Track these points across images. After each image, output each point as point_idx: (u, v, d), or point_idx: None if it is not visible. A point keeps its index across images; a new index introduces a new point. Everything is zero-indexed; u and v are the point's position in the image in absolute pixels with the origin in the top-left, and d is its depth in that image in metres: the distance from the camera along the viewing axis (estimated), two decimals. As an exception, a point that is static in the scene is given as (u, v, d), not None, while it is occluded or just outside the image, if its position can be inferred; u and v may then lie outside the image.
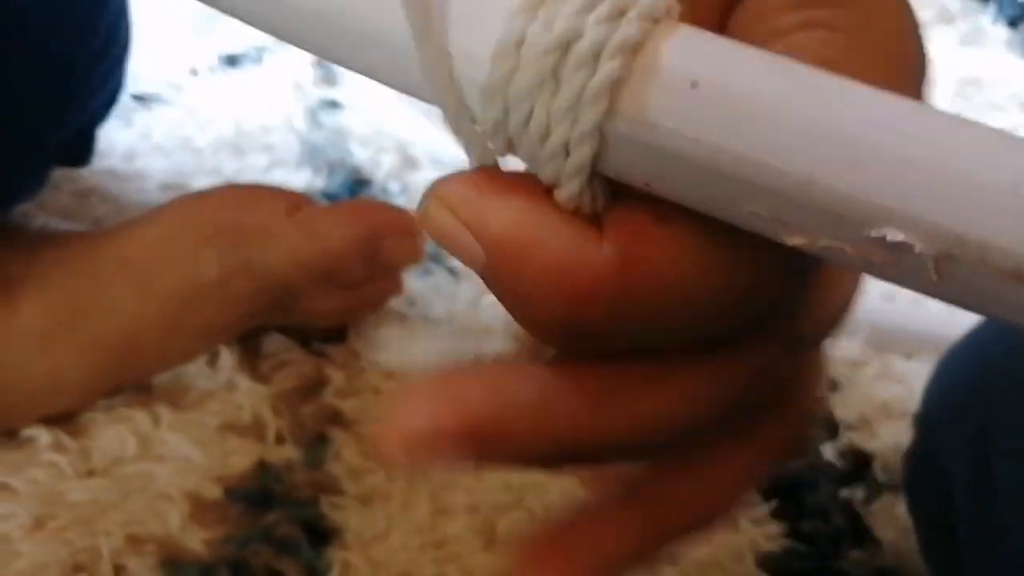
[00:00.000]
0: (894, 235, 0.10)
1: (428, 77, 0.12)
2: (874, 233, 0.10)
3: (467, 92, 0.11)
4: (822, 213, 0.10)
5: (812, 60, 0.11)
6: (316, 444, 0.35)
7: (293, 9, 0.13)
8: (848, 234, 0.10)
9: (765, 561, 0.32)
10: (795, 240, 0.10)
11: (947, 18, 0.73)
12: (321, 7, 0.12)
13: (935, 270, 0.10)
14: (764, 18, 0.13)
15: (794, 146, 0.10)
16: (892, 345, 0.40)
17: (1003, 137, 0.10)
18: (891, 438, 0.36)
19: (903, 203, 0.10)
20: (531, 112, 0.11)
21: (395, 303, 0.42)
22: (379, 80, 0.13)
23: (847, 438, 0.36)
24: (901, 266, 0.10)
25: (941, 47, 0.67)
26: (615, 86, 0.10)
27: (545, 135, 0.11)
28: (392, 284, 0.40)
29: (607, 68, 0.10)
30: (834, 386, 0.38)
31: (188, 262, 0.35)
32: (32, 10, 0.33)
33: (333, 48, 0.13)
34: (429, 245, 0.45)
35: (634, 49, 0.10)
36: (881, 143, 0.10)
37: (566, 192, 0.12)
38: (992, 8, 0.74)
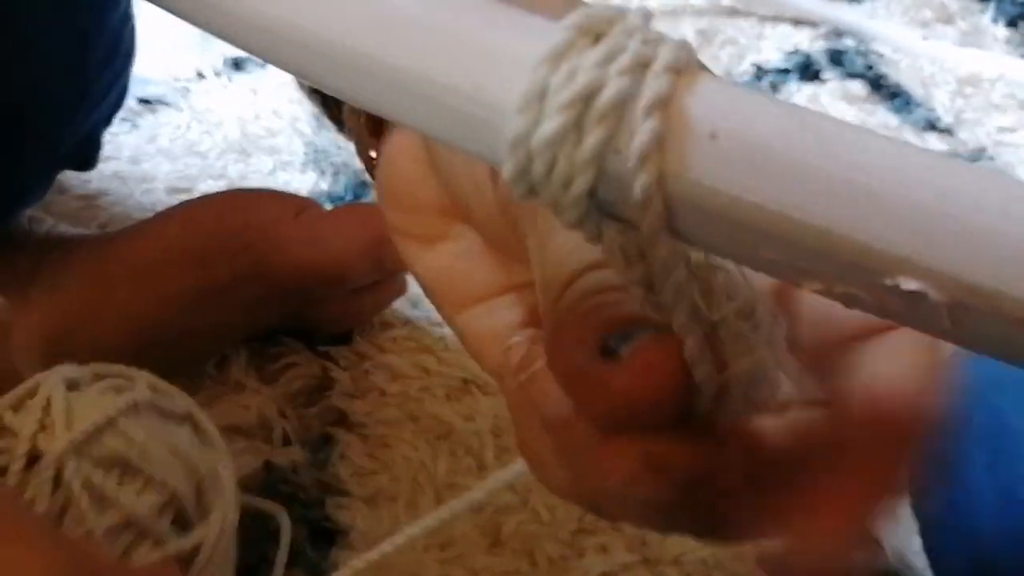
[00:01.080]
0: (908, 284, 0.10)
1: (454, 127, 0.12)
2: (889, 282, 0.10)
3: (493, 141, 0.12)
4: (838, 261, 0.10)
5: None
6: (322, 445, 0.35)
7: (328, 56, 0.13)
8: (864, 282, 0.10)
9: (765, 561, 0.32)
10: (812, 286, 0.11)
11: (947, 18, 0.73)
12: (361, 55, 0.13)
13: (949, 318, 0.10)
14: None
15: (810, 196, 0.10)
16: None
17: (1017, 187, 0.10)
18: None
19: (917, 253, 0.10)
20: (554, 162, 0.11)
21: (398, 304, 0.42)
22: (409, 125, 0.13)
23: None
24: (916, 313, 0.10)
25: (941, 46, 0.67)
26: (660, 143, 0.11)
27: (567, 183, 0.11)
28: (396, 286, 0.41)
29: (649, 126, 0.11)
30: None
31: (195, 266, 0.36)
32: (39, 16, 0.33)
33: (366, 96, 0.13)
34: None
35: (667, 103, 0.11)
36: (895, 193, 0.10)
37: (587, 235, 0.12)
38: (992, 8, 0.74)
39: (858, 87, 0.62)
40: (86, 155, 0.43)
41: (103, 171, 0.50)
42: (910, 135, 0.57)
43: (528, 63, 0.11)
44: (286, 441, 0.36)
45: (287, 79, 0.61)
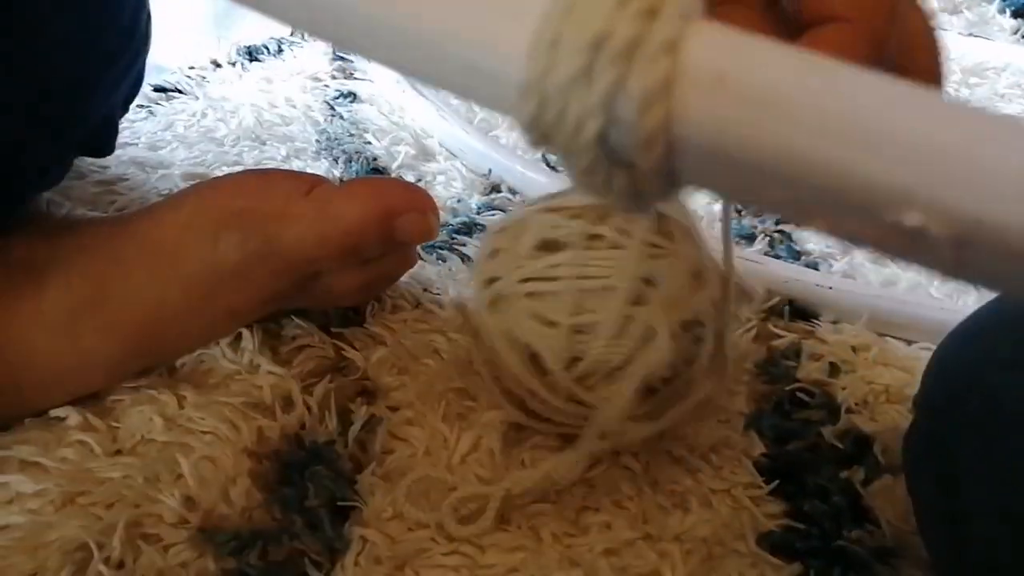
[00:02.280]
0: (911, 220, 0.10)
1: (467, 77, 0.12)
2: (892, 218, 0.10)
3: (504, 90, 0.12)
4: (842, 200, 0.11)
5: None
6: (336, 425, 0.36)
7: (342, 10, 0.13)
8: (868, 219, 0.10)
9: (766, 539, 0.33)
10: (817, 225, 0.11)
11: (953, 8, 0.73)
12: (384, 14, 0.13)
13: (952, 253, 0.10)
14: None
15: (815, 136, 0.10)
16: (893, 330, 0.41)
17: (1017, 122, 0.10)
18: (891, 421, 0.37)
19: (920, 188, 0.10)
20: (566, 107, 0.11)
21: (409, 286, 0.43)
22: (420, 79, 0.14)
23: (848, 420, 0.37)
24: (919, 249, 0.10)
25: (947, 36, 0.67)
26: (668, 86, 0.11)
27: (579, 128, 0.11)
28: (407, 257, 0.41)
29: (657, 68, 0.11)
30: (835, 370, 0.39)
31: (209, 246, 0.36)
32: (56, 2, 0.34)
33: (395, 57, 0.13)
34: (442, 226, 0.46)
35: (674, 48, 0.11)
36: (898, 130, 0.10)
37: (598, 183, 0.12)
38: (999, -1, 0.74)
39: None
40: (103, 140, 0.44)
41: (120, 157, 0.51)
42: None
43: (540, 11, 0.11)
44: (301, 420, 0.36)
45: (301, 68, 0.62)
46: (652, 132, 0.11)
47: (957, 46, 0.65)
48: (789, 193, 0.11)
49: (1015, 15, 0.71)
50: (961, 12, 0.71)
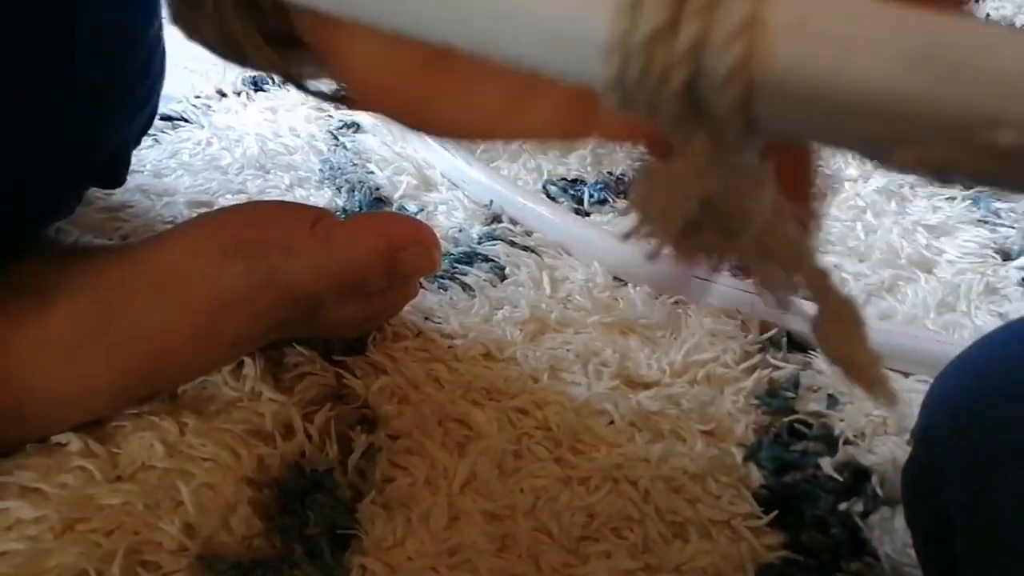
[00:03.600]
0: (1005, 137, 0.10)
1: (545, 46, 0.13)
2: (985, 139, 0.10)
3: (586, 53, 0.12)
4: (934, 126, 0.11)
5: None
6: (336, 453, 0.36)
7: None
8: (958, 145, 0.10)
9: (765, 571, 0.33)
10: (907, 159, 0.11)
11: None
12: None
13: None
14: None
15: (899, 68, 0.11)
16: (890, 362, 0.42)
17: None
18: (889, 453, 0.37)
19: (1012, 105, 0.10)
20: (650, 61, 0.12)
21: (411, 316, 0.43)
22: (492, 53, 0.14)
23: (846, 452, 0.37)
24: (1015, 169, 0.10)
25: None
26: (749, 30, 0.11)
27: (664, 80, 0.11)
28: (409, 290, 0.42)
29: (739, 14, 0.11)
30: (833, 402, 0.40)
31: (214, 275, 0.36)
32: (75, 39, 0.34)
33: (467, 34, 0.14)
34: (444, 259, 0.47)
35: None
36: (985, 57, 0.10)
37: (680, 138, 0.12)
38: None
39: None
40: (114, 172, 0.45)
41: (127, 184, 0.52)
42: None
43: None
44: (301, 448, 0.36)
45: (305, 99, 0.63)
46: (733, 74, 0.11)
47: None
48: (876, 128, 0.11)
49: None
50: None
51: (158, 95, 0.44)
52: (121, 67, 0.38)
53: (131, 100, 0.40)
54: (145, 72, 0.40)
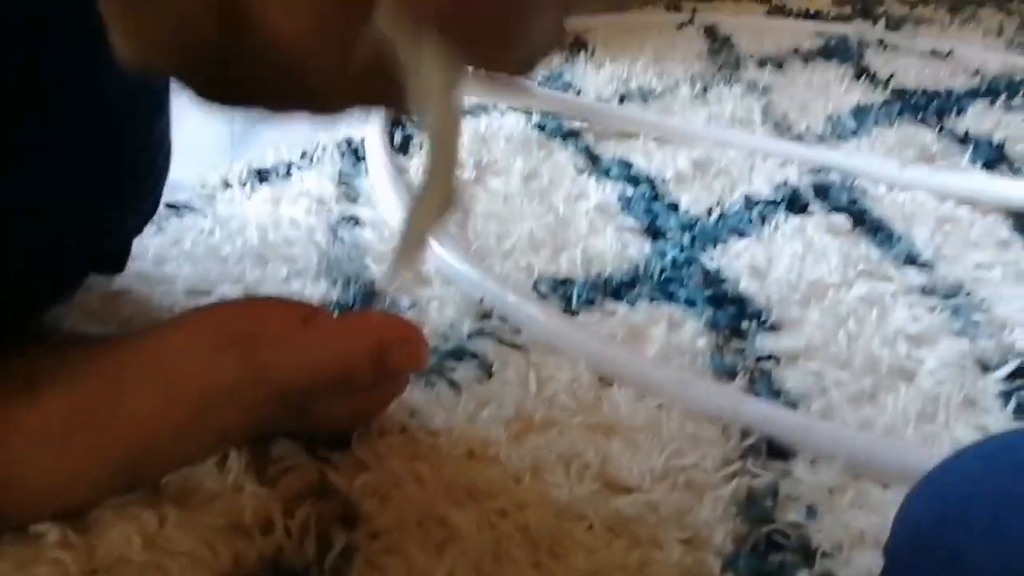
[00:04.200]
0: None
1: None
2: None
3: None
4: None
5: None
6: (319, 549, 0.36)
7: None
8: None
9: None
10: None
11: (929, 158, 0.77)
12: None
13: None
14: None
15: None
16: (868, 474, 0.42)
17: None
18: (865, 567, 0.37)
19: None
20: None
21: (398, 413, 0.44)
22: None
23: (823, 565, 0.37)
24: None
25: (919, 171, 0.71)
26: None
27: None
28: (398, 386, 0.42)
29: None
30: (810, 512, 0.40)
31: (206, 368, 0.37)
32: (84, 131, 0.36)
33: None
34: (431, 356, 0.48)
35: None
36: None
37: None
38: (969, 151, 0.78)
39: (842, 220, 0.65)
40: (116, 261, 0.46)
41: (128, 271, 0.53)
42: (891, 268, 0.60)
43: None
44: (282, 544, 0.36)
45: (307, 191, 0.65)
46: None
47: (929, 182, 0.69)
48: None
49: (985, 167, 0.75)
50: (935, 162, 0.75)
51: (162, 188, 0.46)
52: (129, 160, 0.40)
53: (135, 194, 0.42)
54: (150, 167, 0.42)
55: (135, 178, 0.42)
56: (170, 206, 0.62)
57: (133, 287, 0.53)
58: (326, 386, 0.38)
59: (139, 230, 0.48)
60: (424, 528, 0.38)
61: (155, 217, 0.59)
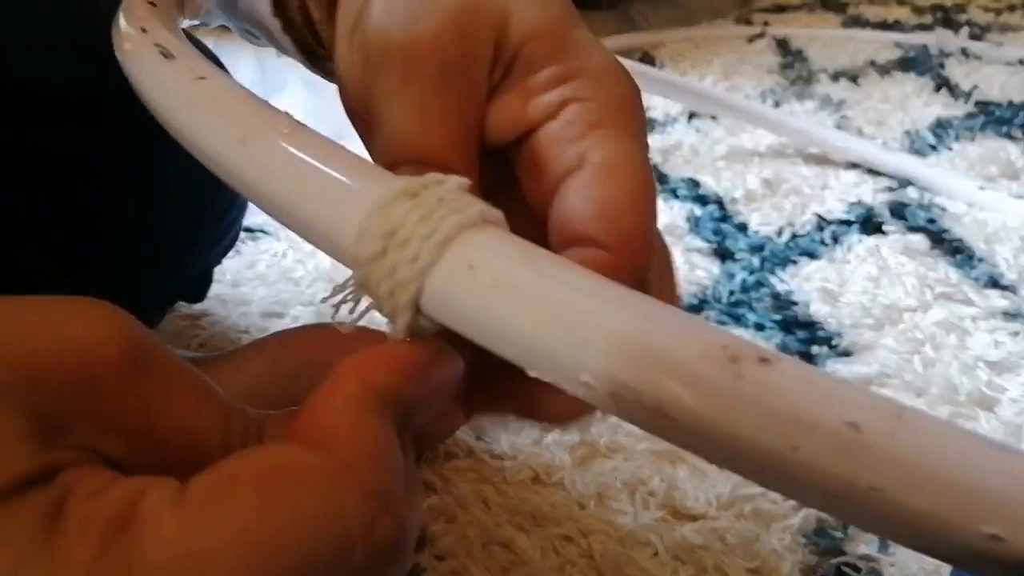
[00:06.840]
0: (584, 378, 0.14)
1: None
2: (572, 377, 0.14)
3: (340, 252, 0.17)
4: (544, 362, 0.15)
5: (585, 127, 0.18)
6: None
7: (262, 199, 0.19)
8: (564, 377, 0.15)
9: None
10: (535, 374, 0.15)
11: (1012, 173, 0.74)
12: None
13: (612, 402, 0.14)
14: (527, 104, 0.19)
15: (520, 311, 0.15)
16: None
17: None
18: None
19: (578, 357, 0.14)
20: (373, 279, 0.16)
21: (464, 437, 0.45)
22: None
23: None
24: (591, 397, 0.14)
25: (998, 196, 0.68)
26: (424, 272, 0.16)
27: (378, 287, 0.16)
28: (463, 416, 0.43)
29: (424, 257, 0.16)
30: (884, 546, 0.39)
31: (279, 393, 0.39)
32: (173, 172, 0.38)
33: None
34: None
35: (444, 244, 0.16)
36: (592, 316, 0.14)
37: (400, 331, 0.17)
38: None
39: (919, 240, 0.63)
40: (198, 290, 0.48)
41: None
42: (971, 291, 0.57)
43: (368, 208, 0.16)
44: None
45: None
46: (403, 304, 0.16)
47: (1010, 208, 0.66)
48: (512, 354, 0.15)
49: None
50: (1020, 178, 0.72)
51: (242, 220, 0.48)
52: (212, 197, 0.42)
53: (217, 230, 0.43)
54: (231, 205, 0.44)
55: (216, 216, 0.44)
56: (246, 229, 0.64)
57: (212, 309, 0.55)
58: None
59: (219, 261, 0.50)
60: (488, 551, 0.38)
61: (233, 240, 0.62)
